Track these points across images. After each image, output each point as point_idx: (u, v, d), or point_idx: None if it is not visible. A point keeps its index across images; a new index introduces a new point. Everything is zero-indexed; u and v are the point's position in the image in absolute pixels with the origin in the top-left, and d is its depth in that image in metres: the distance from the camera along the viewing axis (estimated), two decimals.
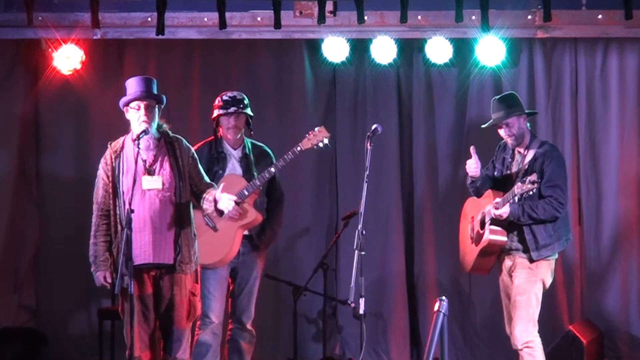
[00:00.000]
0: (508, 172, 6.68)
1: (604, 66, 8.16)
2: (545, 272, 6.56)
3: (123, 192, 6.17)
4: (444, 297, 4.93)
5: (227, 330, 7.08)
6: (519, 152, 6.68)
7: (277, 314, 8.21)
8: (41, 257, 8.29)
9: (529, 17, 7.92)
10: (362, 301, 5.84)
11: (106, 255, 6.23)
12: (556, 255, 6.63)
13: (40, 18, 7.83)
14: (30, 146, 8.29)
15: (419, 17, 7.91)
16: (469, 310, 8.25)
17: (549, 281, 6.61)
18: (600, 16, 7.89)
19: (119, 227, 6.14)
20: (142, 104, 6.21)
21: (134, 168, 6.10)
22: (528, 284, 6.53)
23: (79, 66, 7.98)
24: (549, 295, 7.02)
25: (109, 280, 6.20)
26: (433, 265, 8.25)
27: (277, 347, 8.18)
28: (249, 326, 7.04)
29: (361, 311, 5.85)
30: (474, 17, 7.75)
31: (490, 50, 7.91)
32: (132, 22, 7.99)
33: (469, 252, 6.80)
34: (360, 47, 8.14)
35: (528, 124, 6.72)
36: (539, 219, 6.47)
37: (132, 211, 5.96)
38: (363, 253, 5.81)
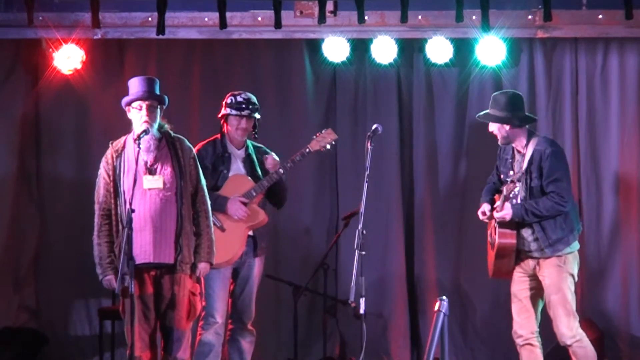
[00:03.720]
0: (511, 172, 6.68)
1: (605, 66, 8.15)
2: (572, 265, 6.59)
3: (124, 192, 6.17)
4: (444, 297, 4.93)
5: (226, 330, 7.07)
6: (519, 152, 6.69)
7: (277, 314, 8.21)
8: (42, 257, 8.29)
9: (530, 17, 7.92)
10: (362, 301, 5.84)
11: (111, 257, 6.23)
12: (577, 246, 6.64)
13: (40, 18, 7.83)
14: (31, 146, 8.29)
15: (420, 17, 7.91)
16: (469, 310, 8.24)
17: (576, 272, 6.64)
18: (600, 16, 7.89)
19: (120, 227, 6.15)
20: (144, 104, 6.22)
21: (134, 167, 6.11)
22: (559, 281, 6.55)
23: (79, 66, 7.98)
24: None
25: (115, 284, 6.18)
26: (433, 265, 8.25)
27: (277, 347, 8.18)
28: (249, 326, 7.05)
29: (361, 311, 5.85)
30: (474, 17, 7.75)
31: (491, 50, 7.91)
32: (133, 22, 7.99)
33: (490, 258, 6.83)
34: (360, 47, 8.14)
35: (526, 126, 6.71)
36: (544, 216, 6.49)
37: (132, 211, 5.96)
38: (363, 253, 5.81)
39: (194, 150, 6.45)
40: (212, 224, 6.38)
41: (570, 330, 6.56)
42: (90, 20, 7.69)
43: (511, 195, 6.56)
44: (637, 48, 8.09)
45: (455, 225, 8.29)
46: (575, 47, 8.17)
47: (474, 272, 8.21)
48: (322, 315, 7.76)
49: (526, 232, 6.60)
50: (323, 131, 7.12)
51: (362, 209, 5.94)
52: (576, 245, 6.63)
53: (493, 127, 6.69)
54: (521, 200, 6.57)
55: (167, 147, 6.28)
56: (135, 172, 6.09)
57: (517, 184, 6.53)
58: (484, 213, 6.77)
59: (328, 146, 7.10)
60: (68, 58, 7.94)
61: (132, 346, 6.07)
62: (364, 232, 5.86)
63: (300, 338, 7.74)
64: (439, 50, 7.97)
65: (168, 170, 6.22)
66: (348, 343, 8.10)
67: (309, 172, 8.28)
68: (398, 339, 8.22)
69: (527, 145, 6.63)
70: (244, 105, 6.96)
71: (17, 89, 8.23)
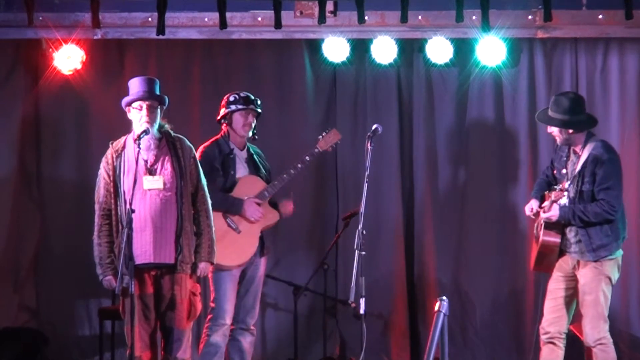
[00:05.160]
0: (564, 171, 6.69)
1: (604, 66, 8.15)
2: (611, 269, 6.60)
3: (124, 192, 6.18)
4: (444, 297, 4.93)
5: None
6: (575, 152, 6.68)
7: (277, 314, 8.21)
8: (42, 257, 8.29)
9: (530, 17, 7.92)
10: (362, 301, 5.84)
11: (111, 257, 6.24)
12: (620, 253, 6.66)
13: (40, 18, 7.82)
14: (31, 146, 8.29)
15: (420, 17, 7.91)
16: (469, 310, 8.24)
17: (615, 277, 6.66)
18: (600, 16, 7.88)
19: (120, 227, 6.15)
20: (144, 105, 6.23)
21: (135, 168, 6.11)
22: (594, 282, 6.56)
23: (79, 66, 7.98)
24: None
25: (115, 283, 6.19)
26: (433, 265, 8.25)
27: (278, 347, 8.18)
28: (252, 326, 7.05)
29: (361, 311, 5.85)
30: (474, 17, 7.75)
31: (491, 50, 7.91)
32: (133, 22, 7.99)
33: (533, 251, 6.86)
34: (360, 47, 8.14)
35: None
36: (591, 222, 6.50)
37: (132, 211, 5.97)
38: (363, 253, 5.82)
39: (194, 151, 6.45)
40: (212, 223, 6.38)
41: (597, 332, 6.56)
42: (90, 20, 7.68)
43: (559, 203, 6.57)
44: (637, 48, 8.09)
45: (456, 225, 8.29)
46: (575, 47, 8.17)
47: (474, 272, 8.22)
48: (322, 315, 7.76)
49: (570, 233, 6.62)
50: (328, 130, 7.18)
51: (362, 209, 5.95)
52: (619, 252, 6.65)
53: (553, 128, 6.66)
54: (569, 202, 6.57)
55: (167, 147, 6.28)
56: (135, 173, 6.10)
57: (565, 193, 6.52)
58: (531, 209, 6.78)
59: (334, 145, 7.18)
60: (68, 58, 7.93)
61: (132, 346, 6.08)
62: (364, 232, 5.86)
63: (300, 338, 7.75)
64: (439, 50, 7.97)
65: (168, 170, 6.23)
66: (348, 343, 8.10)
67: (309, 172, 8.27)
68: (398, 339, 8.22)
69: (584, 147, 6.63)
70: (249, 101, 7.00)
71: (17, 89, 8.23)
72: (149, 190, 6.19)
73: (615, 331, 7.98)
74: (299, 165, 7.01)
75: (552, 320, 6.71)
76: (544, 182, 6.91)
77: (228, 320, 6.89)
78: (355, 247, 5.82)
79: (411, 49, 8.24)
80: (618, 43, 8.10)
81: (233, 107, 6.99)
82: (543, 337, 6.73)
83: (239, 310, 7.01)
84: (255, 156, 7.09)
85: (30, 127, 8.28)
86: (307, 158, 7.05)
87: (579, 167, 6.59)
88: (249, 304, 7.01)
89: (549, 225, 6.64)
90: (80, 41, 7.94)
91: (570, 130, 6.61)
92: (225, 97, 7.07)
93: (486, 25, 7.55)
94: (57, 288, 8.22)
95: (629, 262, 8.08)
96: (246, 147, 7.08)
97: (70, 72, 8.01)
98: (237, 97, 7.02)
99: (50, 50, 7.95)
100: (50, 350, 8.05)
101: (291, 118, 8.31)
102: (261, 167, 7.08)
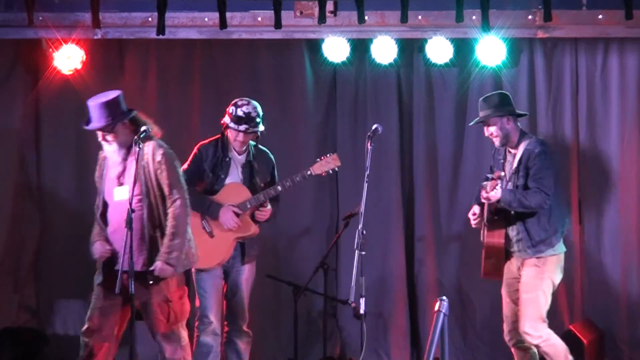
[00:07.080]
0: (502, 173, 6.71)
1: (605, 66, 8.15)
2: (553, 268, 6.61)
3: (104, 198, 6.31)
4: (444, 297, 4.93)
5: (223, 331, 7.06)
6: (510, 152, 6.74)
7: (277, 314, 8.21)
8: (42, 256, 8.30)
9: (530, 17, 7.92)
10: (362, 301, 5.84)
11: (104, 235, 6.30)
12: (563, 249, 6.68)
13: (40, 18, 7.83)
14: (31, 146, 8.29)
15: (420, 17, 7.91)
16: (469, 310, 8.25)
17: (557, 278, 6.67)
18: (600, 16, 7.88)
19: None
20: (97, 132, 6.28)
21: (106, 179, 6.28)
22: (535, 280, 6.58)
23: (79, 66, 7.99)
24: None
25: (107, 247, 6.23)
26: (433, 265, 8.25)
27: (278, 347, 8.18)
28: (245, 328, 7.05)
29: (362, 311, 5.85)
30: (474, 17, 7.75)
31: (491, 50, 7.91)
32: (133, 22, 7.99)
33: (481, 257, 6.84)
34: (360, 47, 8.14)
35: (518, 124, 6.78)
36: (529, 206, 6.54)
37: (133, 211, 6.00)
38: (363, 253, 5.82)
39: (163, 155, 6.24)
40: (183, 226, 6.21)
41: (535, 330, 6.58)
42: (90, 20, 7.69)
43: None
44: (637, 48, 8.09)
45: (456, 225, 8.29)
46: (575, 47, 8.17)
47: (474, 272, 8.18)
48: (322, 315, 7.76)
49: (512, 232, 6.67)
50: (328, 155, 7.08)
51: (362, 209, 5.95)
52: (560, 248, 6.68)
53: (492, 128, 6.72)
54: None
55: (134, 155, 6.17)
56: (104, 184, 6.26)
57: (498, 182, 6.55)
58: (474, 214, 6.79)
59: (330, 171, 7.07)
60: (68, 58, 7.94)
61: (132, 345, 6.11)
62: (364, 232, 5.86)
63: (300, 338, 7.74)
64: (439, 50, 7.97)
65: (133, 179, 6.13)
66: (348, 343, 8.10)
67: None
68: (398, 339, 8.22)
69: (518, 145, 6.70)
70: (242, 121, 6.86)
71: (17, 89, 8.24)
72: (119, 201, 6.21)
73: (615, 331, 8.01)
74: (287, 183, 6.94)
75: (513, 325, 6.75)
76: None
77: (213, 318, 6.89)
78: (355, 247, 5.82)
79: (411, 49, 8.24)
80: (618, 43, 8.10)
81: (228, 120, 6.93)
82: (510, 344, 6.78)
83: (230, 313, 7.03)
84: (254, 162, 7.03)
85: (30, 127, 8.28)
86: (297, 178, 6.95)
87: (515, 165, 6.67)
88: (238, 308, 7.02)
89: (492, 227, 6.68)
90: (80, 41, 7.94)
91: (508, 123, 6.65)
92: (231, 103, 6.96)
93: (486, 25, 7.55)
94: (57, 288, 8.23)
95: (629, 261, 8.09)
96: (246, 152, 7.04)
97: (70, 72, 8.02)
98: (233, 112, 6.87)
99: (50, 50, 7.95)
100: (50, 350, 8.05)
101: (291, 118, 8.31)
102: (256, 174, 7.01)
